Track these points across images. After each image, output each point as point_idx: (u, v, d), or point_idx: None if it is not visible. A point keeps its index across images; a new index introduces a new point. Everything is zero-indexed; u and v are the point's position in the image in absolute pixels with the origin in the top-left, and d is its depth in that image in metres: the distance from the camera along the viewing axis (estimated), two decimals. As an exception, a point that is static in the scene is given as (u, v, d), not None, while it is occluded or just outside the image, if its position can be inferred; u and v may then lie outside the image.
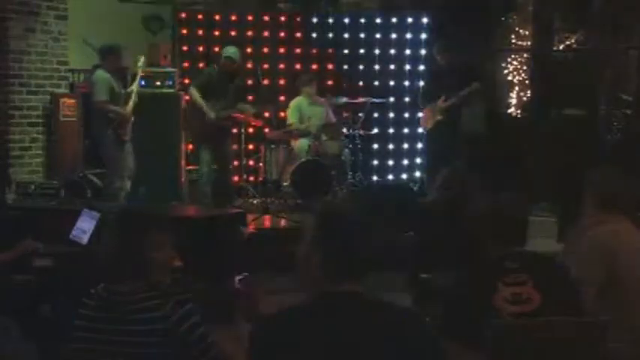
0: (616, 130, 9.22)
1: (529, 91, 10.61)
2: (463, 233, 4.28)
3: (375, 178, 10.14)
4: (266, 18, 10.08)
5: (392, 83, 10.25)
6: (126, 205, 7.03)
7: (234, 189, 8.79)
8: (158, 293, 2.52)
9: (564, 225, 6.56)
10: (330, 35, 10.16)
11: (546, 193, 8.68)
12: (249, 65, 8.86)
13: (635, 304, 3.31)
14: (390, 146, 10.32)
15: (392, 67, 10.24)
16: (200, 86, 8.11)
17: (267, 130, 9.19)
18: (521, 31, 10.72)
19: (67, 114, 8.40)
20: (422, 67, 10.20)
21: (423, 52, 10.18)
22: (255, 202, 8.81)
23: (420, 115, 9.01)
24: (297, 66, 10.05)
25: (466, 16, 9.53)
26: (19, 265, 4.46)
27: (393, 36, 10.24)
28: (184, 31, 9.83)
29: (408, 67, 10.27)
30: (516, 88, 10.84)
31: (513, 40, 10.81)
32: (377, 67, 10.21)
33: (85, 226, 4.76)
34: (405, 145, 10.34)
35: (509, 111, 10.82)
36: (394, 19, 10.25)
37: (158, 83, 8.71)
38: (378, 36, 10.22)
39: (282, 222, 7.76)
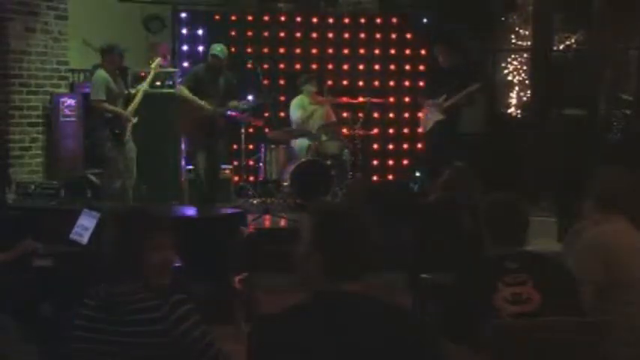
0: (616, 130, 9.20)
1: (529, 91, 10.60)
2: (463, 233, 4.30)
3: (375, 178, 10.15)
4: (266, 18, 10.08)
5: (392, 83, 10.26)
6: (126, 205, 7.03)
7: (230, 189, 8.79)
8: (158, 293, 2.52)
9: (564, 225, 6.56)
10: (330, 35, 10.17)
11: (546, 193, 8.68)
12: (249, 65, 8.85)
13: (635, 305, 3.30)
14: (390, 146, 10.34)
15: (392, 67, 10.25)
16: (189, 85, 8.05)
17: (267, 130, 9.20)
18: (521, 31, 10.71)
19: (67, 114, 8.41)
20: (422, 67, 10.21)
21: (422, 52, 10.19)
22: (255, 202, 8.82)
23: (420, 115, 9.01)
24: (297, 66, 10.06)
25: (466, 16, 9.54)
26: (19, 265, 4.46)
27: (393, 36, 10.25)
28: (184, 31, 9.84)
29: (408, 67, 10.28)
30: (516, 88, 10.82)
31: (513, 40, 10.79)
32: (377, 66, 10.23)
33: (84, 226, 4.76)
34: (405, 145, 10.35)
35: (509, 111, 10.81)
36: (394, 19, 10.26)
37: (158, 83, 8.71)
38: (378, 36, 10.24)
39: (282, 222, 7.76)
